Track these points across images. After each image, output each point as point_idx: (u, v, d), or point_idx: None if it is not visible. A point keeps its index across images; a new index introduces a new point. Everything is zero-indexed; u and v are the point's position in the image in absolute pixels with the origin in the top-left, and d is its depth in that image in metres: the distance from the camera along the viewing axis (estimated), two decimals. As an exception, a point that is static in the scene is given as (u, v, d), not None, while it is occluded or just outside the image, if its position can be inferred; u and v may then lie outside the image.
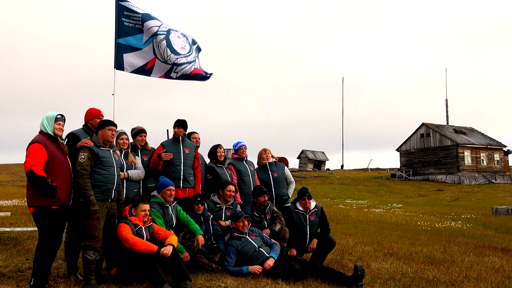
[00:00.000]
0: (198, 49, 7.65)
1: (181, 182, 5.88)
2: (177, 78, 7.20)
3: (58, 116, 4.65)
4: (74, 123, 5.49)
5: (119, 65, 6.60)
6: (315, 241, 6.17)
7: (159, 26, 6.98)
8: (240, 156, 6.70)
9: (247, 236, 5.56)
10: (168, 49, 7.03)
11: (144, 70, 6.90)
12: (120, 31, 6.63)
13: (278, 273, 5.12)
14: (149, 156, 5.88)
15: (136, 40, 6.79)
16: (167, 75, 7.15)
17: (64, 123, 4.74)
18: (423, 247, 8.10)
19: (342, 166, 72.24)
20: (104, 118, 5.25)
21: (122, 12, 6.66)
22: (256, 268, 5.23)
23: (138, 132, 5.89)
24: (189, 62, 7.21)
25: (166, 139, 6.13)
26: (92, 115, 5.35)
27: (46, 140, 4.54)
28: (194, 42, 7.51)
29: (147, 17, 6.88)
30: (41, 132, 4.62)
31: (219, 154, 6.52)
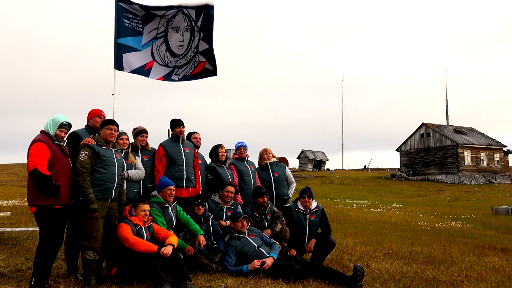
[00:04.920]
0: (207, 25, 7.01)
1: (184, 182, 5.89)
2: (180, 80, 7.23)
3: (65, 123, 4.66)
4: (75, 123, 5.50)
5: (118, 65, 6.61)
6: (313, 241, 6.17)
7: (158, 28, 6.99)
8: (239, 156, 6.70)
9: (247, 236, 5.56)
10: (167, 52, 7.05)
11: (143, 71, 6.92)
12: (120, 31, 6.64)
13: (278, 273, 5.11)
14: (149, 156, 5.89)
15: (135, 41, 6.81)
16: (167, 78, 7.15)
17: (68, 131, 4.76)
18: (423, 247, 8.10)
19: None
20: (106, 118, 5.28)
21: (122, 13, 6.68)
22: (255, 263, 5.23)
23: (140, 132, 5.90)
24: (189, 62, 7.19)
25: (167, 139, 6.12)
26: (92, 114, 5.43)
27: (48, 139, 4.54)
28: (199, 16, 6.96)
29: (147, 18, 6.89)
30: (42, 132, 4.63)
31: (220, 154, 6.52)
